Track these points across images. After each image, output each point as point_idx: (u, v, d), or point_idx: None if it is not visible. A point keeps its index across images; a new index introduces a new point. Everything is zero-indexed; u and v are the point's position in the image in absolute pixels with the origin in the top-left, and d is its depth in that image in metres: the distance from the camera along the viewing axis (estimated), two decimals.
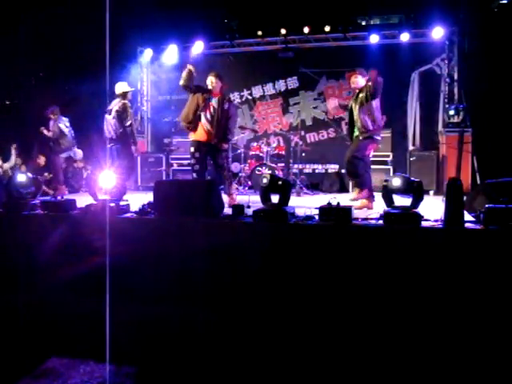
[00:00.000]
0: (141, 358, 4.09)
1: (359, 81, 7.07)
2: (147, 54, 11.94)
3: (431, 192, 9.54)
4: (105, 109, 8.05)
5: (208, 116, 7.15)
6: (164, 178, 10.45)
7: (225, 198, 6.39)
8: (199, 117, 7.15)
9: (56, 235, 5.44)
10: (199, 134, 7.17)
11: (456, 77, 10.41)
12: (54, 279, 5.18)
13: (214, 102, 7.19)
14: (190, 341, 4.37)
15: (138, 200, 6.18)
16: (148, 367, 3.95)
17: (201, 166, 7.15)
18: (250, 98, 11.90)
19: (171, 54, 11.65)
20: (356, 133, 7.01)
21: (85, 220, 5.62)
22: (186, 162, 10.70)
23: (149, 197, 5.97)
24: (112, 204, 5.69)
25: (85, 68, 10.22)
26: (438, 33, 10.11)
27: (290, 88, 11.69)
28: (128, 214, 5.80)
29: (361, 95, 6.92)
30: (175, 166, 10.90)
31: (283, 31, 10.94)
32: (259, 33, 11.07)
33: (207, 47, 11.48)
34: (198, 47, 11.31)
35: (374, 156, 9.86)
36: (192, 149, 7.17)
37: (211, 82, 7.27)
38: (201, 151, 7.15)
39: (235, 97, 11.87)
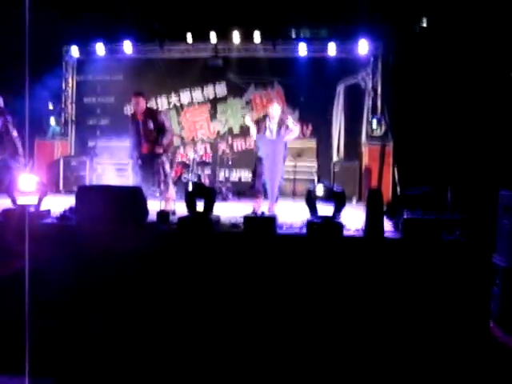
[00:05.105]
0: (60, 368, 3.97)
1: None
2: (73, 53, 11.59)
3: (354, 201, 9.80)
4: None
5: None
6: (87, 182, 10.18)
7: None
8: None
9: None
10: None
11: (379, 91, 10.77)
12: None
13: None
14: (109, 349, 4.29)
15: (59, 204, 5.99)
16: (67, 377, 3.84)
17: None
18: (177, 104, 11.80)
19: (98, 55, 11.42)
20: None
21: (2, 226, 5.38)
22: (110, 166, 10.49)
23: (70, 200, 5.80)
24: (31, 209, 5.49)
25: (4, 66, 9.81)
26: (363, 48, 10.46)
27: (218, 95, 11.68)
28: (48, 220, 5.61)
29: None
30: (99, 171, 10.63)
31: (213, 39, 10.94)
32: (189, 37, 11.01)
33: (136, 51, 11.31)
34: (127, 49, 11.13)
35: (300, 166, 10.08)
36: None
37: None
38: None
39: (163, 101, 11.77)
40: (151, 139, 7.38)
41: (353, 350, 4.38)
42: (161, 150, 7.36)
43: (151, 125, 7.40)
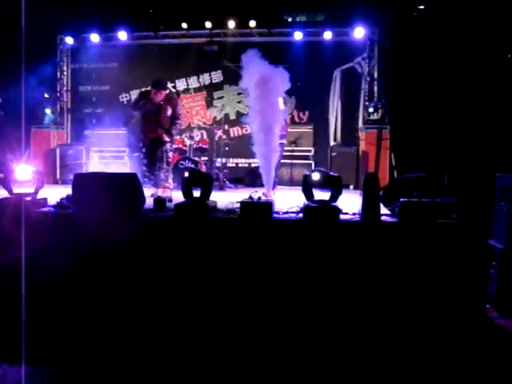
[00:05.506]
0: (59, 356, 3.97)
1: None
2: (68, 42, 11.53)
3: (351, 186, 9.81)
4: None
5: None
6: (84, 170, 10.17)
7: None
8: None
9: None
10: None
11: (376, 75, 10.73)
12: None
13: None
14: (109, 335, 4.30)
15: (56, 193, 5.97)
16: (66, 365, 3.84)
17: None
18: (173, 90, 11.74)
19: (93, 43, 11.36)
20: None
21: None
22: (107, 154, 10.49)
23: (67, 190, 5.79)
24: (28, 198, 5.47)
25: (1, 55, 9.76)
26: (359, 32, 10.41)
27: (214, 82, 11.64)
28: (45, 209, 5.60)
29: None
30: (96, 159, 10.62)
31: (208, 25, 10.91)
32: (184, 25, 10.99)
33: (130, 38, 11.24)
34: (121, 37, 11.07)
35: (297, 151, 10.09)
36: None
37: None
38: None
39: None
40: (165, 127, 7.39)
41: (350, 331, 4.40)
42: (168, 139, 7.39)
43: (169, 112, 7.40)
